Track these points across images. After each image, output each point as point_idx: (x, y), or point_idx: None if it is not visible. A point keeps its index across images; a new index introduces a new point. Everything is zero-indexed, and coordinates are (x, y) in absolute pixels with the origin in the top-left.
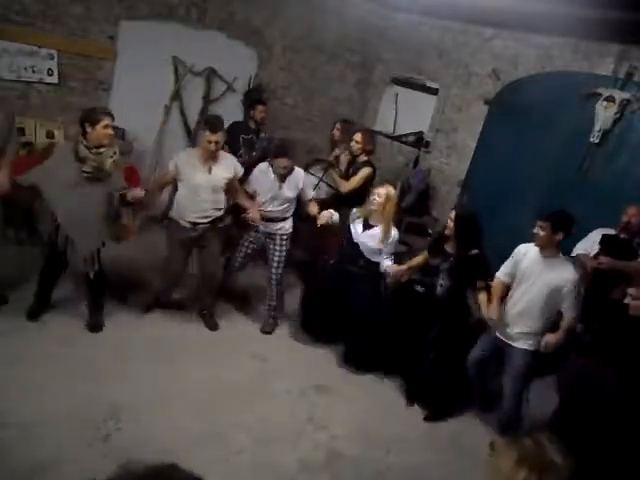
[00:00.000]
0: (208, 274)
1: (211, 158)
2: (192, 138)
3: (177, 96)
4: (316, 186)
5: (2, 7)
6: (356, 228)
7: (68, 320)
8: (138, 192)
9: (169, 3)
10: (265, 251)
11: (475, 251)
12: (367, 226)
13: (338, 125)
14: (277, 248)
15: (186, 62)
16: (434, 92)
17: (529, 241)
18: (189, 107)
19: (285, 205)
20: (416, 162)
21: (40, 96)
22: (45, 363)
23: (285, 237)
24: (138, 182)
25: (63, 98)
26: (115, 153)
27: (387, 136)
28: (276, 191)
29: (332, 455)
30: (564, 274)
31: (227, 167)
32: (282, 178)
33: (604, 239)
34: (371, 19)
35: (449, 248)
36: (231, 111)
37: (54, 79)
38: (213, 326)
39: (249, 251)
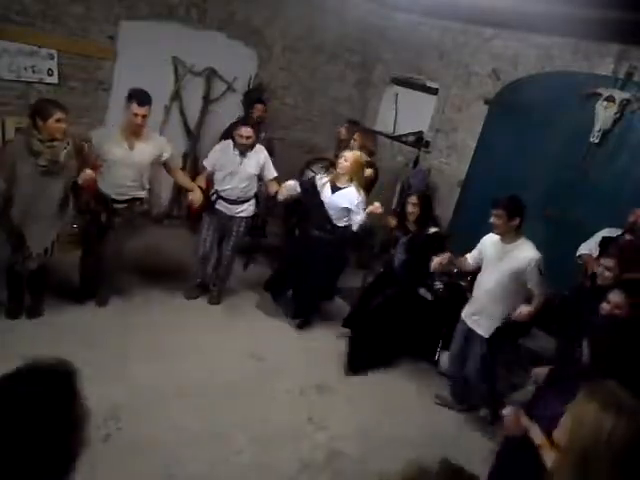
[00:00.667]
0: (111, 252)
1: (134, 135)
2: (192, 138)
3: (177, 96)
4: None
5: (2, 7)
6: (325, 192)
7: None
8: (87, 173)
9: (169, 3)
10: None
11: (434, 229)
12: (336, 188)
13: (346, 124)
14: (235, 231)
15: (186, 62)
16: (434, 92)
17: (529, 240)
18: (189, 107)
19: (245, 183)
20: (416, 162)
21: (40, 96)
22: None
23: (245, 220)
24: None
25: (63, 98)
26: (69, 144)
27: (387, 136)
28: (236, 166)
29: (332, 455)
30: (525, 254)
31: (154, 146)
32: (243, 153)
33: (603, 242)
34: (371, 19)
35: (409, 225)
36: (231, 111)
37: (54, 79)
38: (102, 303)
39: (213, 237)
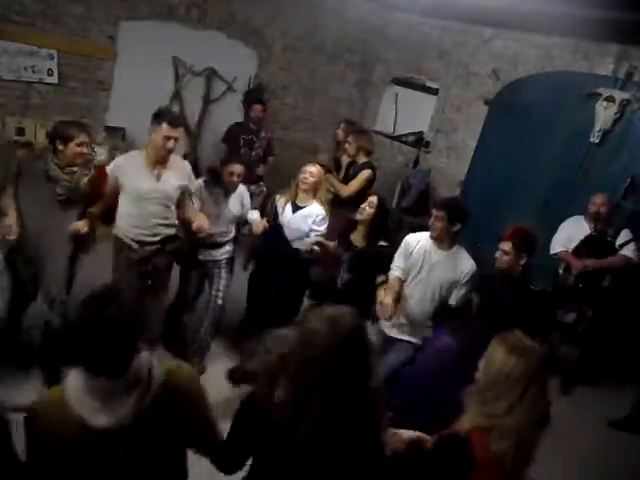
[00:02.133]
0: (153, 304)
1: (161, 162)
2: (192, 138)
3: (177, 96)
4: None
5: (2, 7)
6: (285, 211)
7: None
8: (78, 225)
9: (169, 3)
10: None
11: (383, 243)
12: (296, 207)
13: (342, 125)
14: (223, 275)
15: (186, 62)
16: (434, 92)
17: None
18: (189, 107)
19: (229, 226)
20: (416, 162)
21: (40, 96)
22: None
23: (228, 262)
24: None
25: (63, 98)
26: (90, 170)
27: (387, 136)
28: (220, 210)
29: None
30: (462, 266)
31: (180, 173)
32: (227, 193)
33: (586, 241)
34: (371, 19)
35: (354, 237)
36: (231, 111)
37: (54, 79)
38: None
39: (198, 284)
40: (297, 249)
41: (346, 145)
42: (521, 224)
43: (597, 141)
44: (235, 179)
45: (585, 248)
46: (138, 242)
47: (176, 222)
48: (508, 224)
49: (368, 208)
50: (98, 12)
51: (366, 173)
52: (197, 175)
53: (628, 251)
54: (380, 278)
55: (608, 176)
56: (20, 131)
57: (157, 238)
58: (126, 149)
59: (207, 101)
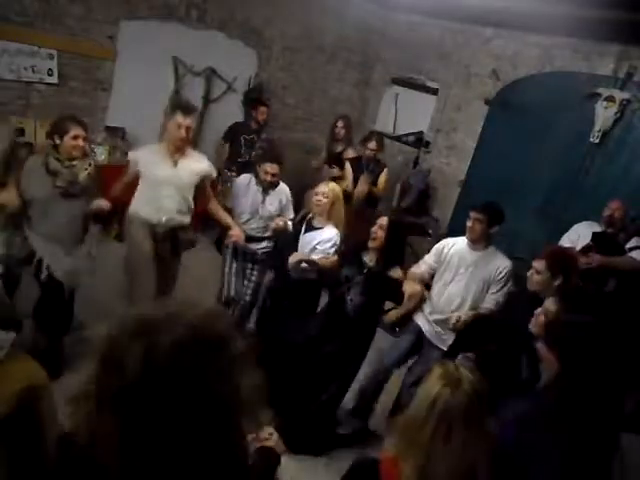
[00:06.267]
0: (161, 288)
1: (178, 150)
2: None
3: (177, 96)
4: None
5: (2, 7)
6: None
7: None
8: (101, 203)
9: (169, 3)
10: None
11: (398, 271)
12: (310, 227)
13: (340, 123)
14: (256, 270)
15: (186, 62)
16: (434, 92)
17: (530, 240)
18: None
19: (267, 223)
20: (416, 162)
21: (40, 96)
22: None
23: (264, 259)
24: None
25: (63, 98)
26: (90, 165)
27: (387, 136)
28: (258, 205)
29: (332, 455)
30: (497, 264)
31: (197, 162)
32: (266, 190)
33: (595, 237)
34: (371, 19)
35: (367, 259)
36: (231, 111)
37: (54, 79)
38: None
39: (237, 278)
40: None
41: (367, 151)
42: (558, 245)
43: (597, 141)
44: (269, 178)
45: (595, 243)
46: (151, 225)
47: (190, 211)
48: (543, 245)
49: (379, 231)
50: (98, 12)
51: (386, 170)
52: None
53: (637, 255)
54: (391, 306)
55: (608, 176)
56: (20, 131)
57: (170, 224)
58: (126, 149)
59: (207, 101)
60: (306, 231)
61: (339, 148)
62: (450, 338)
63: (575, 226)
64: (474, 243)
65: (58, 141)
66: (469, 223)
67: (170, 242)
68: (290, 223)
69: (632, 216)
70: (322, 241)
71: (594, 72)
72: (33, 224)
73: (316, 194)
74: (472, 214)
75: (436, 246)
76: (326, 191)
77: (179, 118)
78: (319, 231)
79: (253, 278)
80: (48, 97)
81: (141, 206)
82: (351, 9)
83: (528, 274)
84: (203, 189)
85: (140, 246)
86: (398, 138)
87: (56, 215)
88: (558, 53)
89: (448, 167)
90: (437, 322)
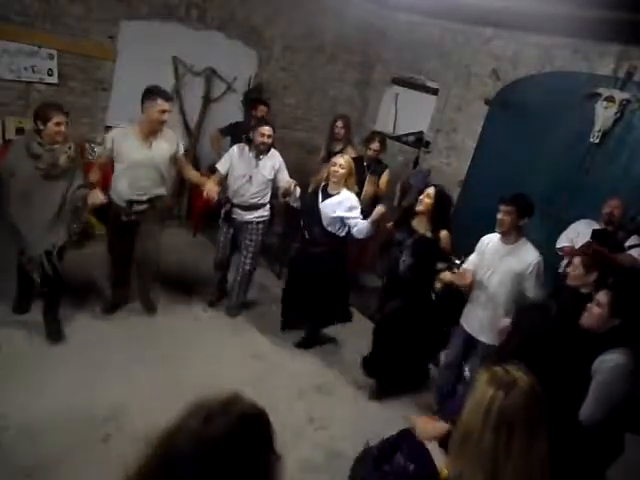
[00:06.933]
0: (146, 253)
1: (153, 133)
2: (192, 138)
3: (177, 96)
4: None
5: (2, 7)
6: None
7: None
8: (96, 197)
9: (169, 3)
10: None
11: (444, 232)
12: (327, 195)
13: (340, 122)
14: (251, 236)
15: (186, 62)
16: (434, 92)
17: (530, 240)
18: (189, 107)
19: (261, 188)
20: (416, 162)
21: (40, 96)
22: (44, 362)
23: (261, 225)
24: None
25: (63, 98)
26: (70, 148)
27: (387, 136)
28: (252, 170)
29: (332, 455)
30: (526, 257)
31: (169, 141)
32: (258, 155)
33: (595, 233)
34: (371, 19)
35: (416, 224)
36: (231, 111)
37: (54, 79)
38: (152, 309)
39: (232, 244)
40: (332, 234)
41: (370, 152)
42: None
43: (597, 141)
44: (265, 139)
45: (594, 239)
46: (130, 202)
47: (165, 182)
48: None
49: (426, 199)
50: (98, 12)
51: (388, 170)
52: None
53: (635, 253)
54: (441, 265)
55: (608, 176)
56: (20, 131)
57: (146, 197)
58: None
59: (207, 101)
60: (324, 199)
61: (338, 147)
62: (489, 334)
63: (574, 224)
64: (504, 236)
65: (42, 127)
66: (499, 216)
67: (148, 211)
68: (294, 182)
69: (631, 215)
70: (343, 200)
71: (594, 72)
72: (13, 203)
73: (334, 164)
74: (501, 207)
75: (478, 243)
76: (343, 162)
77: (161, 103)
78: (337, 196)
79: (251, 248)
80: (48, 97)
81: (120, 187)
82: (351, 9)
83: (567, 270)
84: (176, 159)
85: (116, 219)
86: (398, 138)
87: (37, 195)
88: (558, 53)
89: (448, 167)
90: (479, 316)
